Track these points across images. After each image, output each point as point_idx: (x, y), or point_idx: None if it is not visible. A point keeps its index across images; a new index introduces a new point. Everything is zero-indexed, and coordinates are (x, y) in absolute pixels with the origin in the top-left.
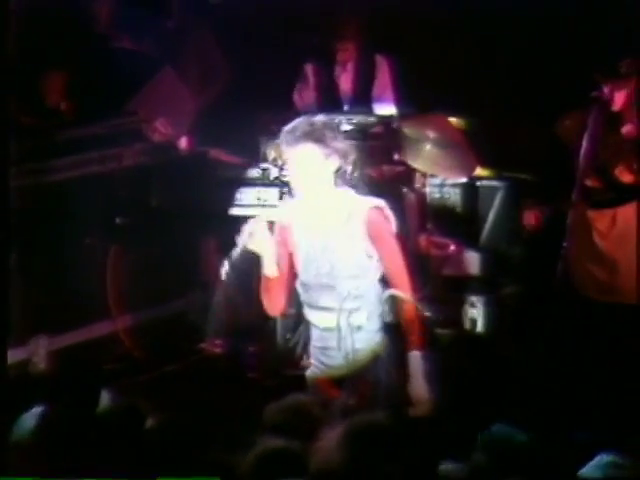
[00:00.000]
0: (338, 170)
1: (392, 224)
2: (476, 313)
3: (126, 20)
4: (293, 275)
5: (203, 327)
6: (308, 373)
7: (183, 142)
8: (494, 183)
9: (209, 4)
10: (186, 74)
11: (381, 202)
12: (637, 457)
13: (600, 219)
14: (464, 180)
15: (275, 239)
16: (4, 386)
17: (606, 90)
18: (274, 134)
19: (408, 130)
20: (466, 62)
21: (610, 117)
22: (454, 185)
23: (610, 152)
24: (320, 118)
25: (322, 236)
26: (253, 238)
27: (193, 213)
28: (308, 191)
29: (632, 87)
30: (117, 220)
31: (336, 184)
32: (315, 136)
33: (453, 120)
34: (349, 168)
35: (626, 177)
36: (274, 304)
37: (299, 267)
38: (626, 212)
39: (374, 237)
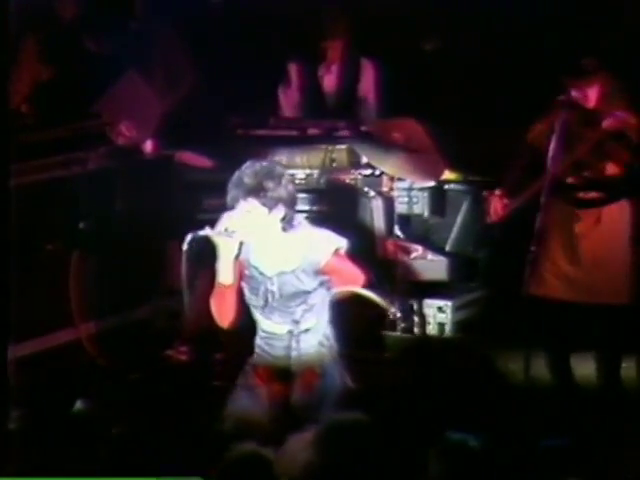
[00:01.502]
0: (284, 218)
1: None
2: (444, 318)
3: (90, 21)
4: (241, 289)
5: (169, 334)
6: (251, 360)
7: (148, 145)
8: (462, 187)
9: (172, 5)
10: (151, 76)
11: (335, 242)
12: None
13: (583, 218)
14: (432, 184)
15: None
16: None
17: (576, 90)
18: (241, 137)
19: (377, 133)
20: (433, 64)
21: (586, 115)
22: (422, 189)
23: (592, 150)
24: (262, 166)
25: (272, 273)
26: (224, 234)
27: (159, 217)
28: (257, 241)
29: (601, 83)
30: (81, 225)
31: (284, 229)
32: (258, 191)
33: (421, 124)
34: (294, 213)
35: (613, 170)
36: (226, 314)
37: (249, 291)
38: (611, 211)
39: (337, 279)
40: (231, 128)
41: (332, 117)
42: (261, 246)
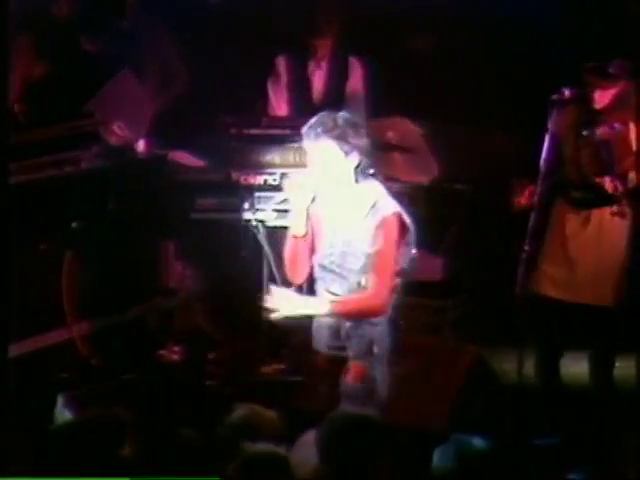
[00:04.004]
0: (358, 166)
1: (407, 233)
2: (438, 317)
3: (83, 20)
4: (313, 247)
5: (161, 333)
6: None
7: (141, 145)
8: (456, 187)
9: (165, 4)
10: (144, 75)
11: (400, 208)
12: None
13: (575, 218)
14: (425, 183)
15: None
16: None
17: (593, 90)
18: (234, 137)
19: (370, 133)
20: (434, 65)
21: (590, 115)
22: (415, 188)
23: (588, 153)
24: (342, 114)
25: (340, 227)
26: (297, 189)
27: (152, 217)
28: (328, 185)
29: (619, 89)
30: (73, 224)
31: (356, 179)
32: (336, 133)
33: (414, 124)
34: (369, 163)
35: (607, 184)
36: (299, 269)
37: (317, 249)
38: (601, 214)
39: (379, 241)
40: (224, 127)
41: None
42: (332, 199)
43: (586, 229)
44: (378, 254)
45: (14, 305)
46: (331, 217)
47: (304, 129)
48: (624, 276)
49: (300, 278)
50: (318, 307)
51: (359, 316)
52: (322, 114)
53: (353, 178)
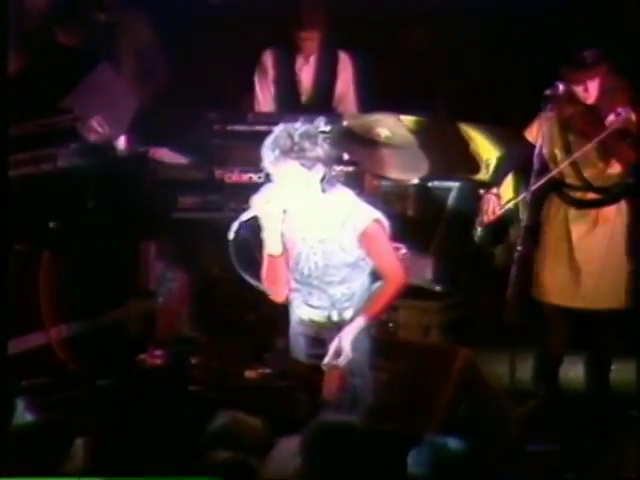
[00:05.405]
0: (324, 177)
1: (387, 233)
2: (429, 319)
3: (58, 13)
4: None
5: (142, 337)
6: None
7: (122, 141)
8: (447, 184)
9: None
10: (124, 70)
11: (377, 213)
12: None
13: (580, 221)
14: (415, 181)
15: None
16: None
17: (577, 84)
18: (218, 133)
19: (358, 129)
20: (425, 60)
21: (587, 111)
22: (405, 186)
23: (595, 148)
24: (297, 127)
25: (316, 241)
26: (265, 207)
27: (132, 216)
28: (296, 201)
29: (602, 76)
30: (51, 224)
31: (323, 190)
32: (295, 153)
33: (404, 119)
34: (334, 172)
35: (614, 169)
36: (279, 287)
37: (292, 264)
38: (607, 213)
39: (373, 251)
40: (208, 124)
41: (310, 110)
42: (303, 212)
43: (594, 231)
44: (376, 255)
45: None
46: (304, 231)
47: (262, 148)
48: (633, 278)
49: (282, 295)
50: (356, 325)
51: (391, 304)
52: (278, 132)
53: (320, 190)
